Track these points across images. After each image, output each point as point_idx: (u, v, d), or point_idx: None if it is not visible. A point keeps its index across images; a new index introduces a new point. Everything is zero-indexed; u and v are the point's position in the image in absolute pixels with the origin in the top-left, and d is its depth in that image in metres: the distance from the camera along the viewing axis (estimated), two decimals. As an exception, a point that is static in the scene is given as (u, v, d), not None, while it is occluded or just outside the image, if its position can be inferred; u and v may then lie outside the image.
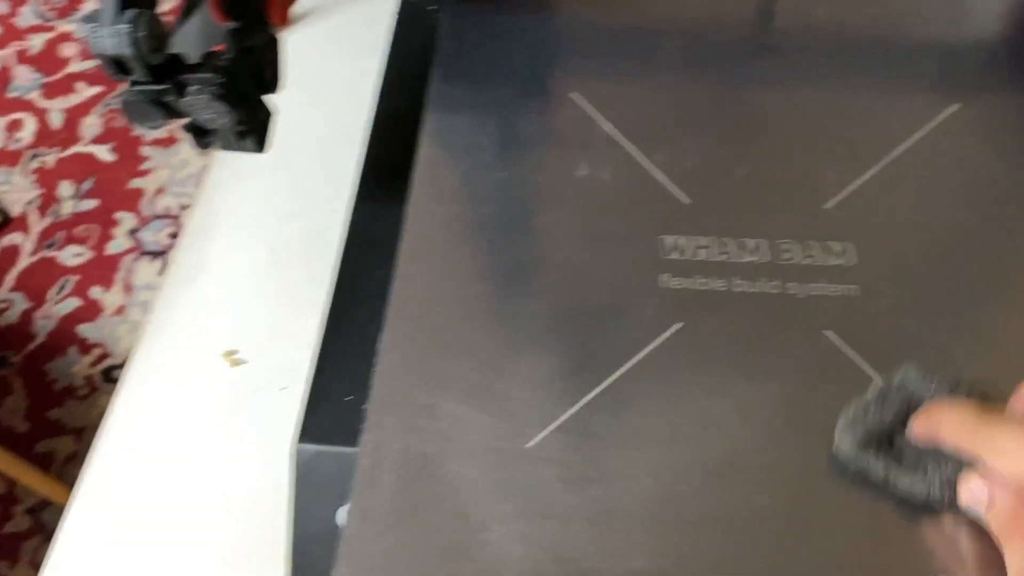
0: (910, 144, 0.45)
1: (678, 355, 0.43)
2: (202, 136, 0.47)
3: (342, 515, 0.46)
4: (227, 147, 0.47)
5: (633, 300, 0.44)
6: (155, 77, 0.43)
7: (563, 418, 0.42)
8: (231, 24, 0.46)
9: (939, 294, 0.43)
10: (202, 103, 0.43)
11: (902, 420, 0.39)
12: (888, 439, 0.39)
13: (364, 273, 0.51)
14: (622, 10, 0.51)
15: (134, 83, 0.44)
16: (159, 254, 1.42)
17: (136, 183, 1.47)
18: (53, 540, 0.52)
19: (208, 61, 0.44)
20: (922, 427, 0.38)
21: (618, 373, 0.42)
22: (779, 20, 0.49)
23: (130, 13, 0.41)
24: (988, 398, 0.38)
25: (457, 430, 0.42)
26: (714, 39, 0.49)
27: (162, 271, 1.41)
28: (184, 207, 1.45)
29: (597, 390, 0.42)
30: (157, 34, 0.41)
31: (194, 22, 0.51)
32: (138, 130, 1.49)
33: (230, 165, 0.64)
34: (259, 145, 0.48)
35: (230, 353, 0.56)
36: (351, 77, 0.63)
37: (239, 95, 0.44)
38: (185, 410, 0.55)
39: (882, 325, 0.42)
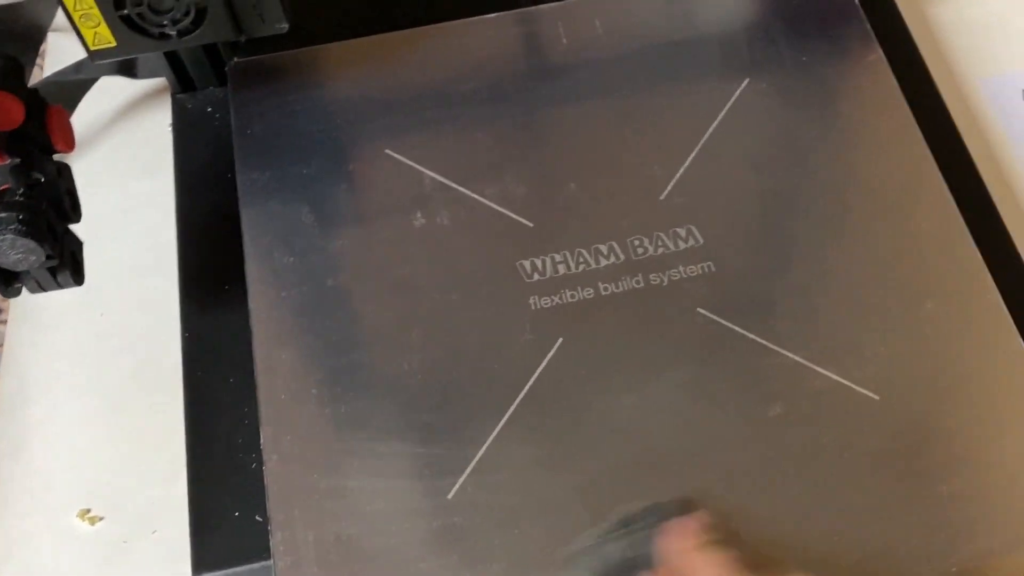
0: (717, 123, 0.48)
1: (569, 368, 0.43)
2: (10, 283, 0.43)
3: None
4: (40, 288, 0.44)
5: (510, 329, 0.44)
6: (-55, 232, 0.39)
7: (476, 460, 0.41)
8: (11, 161, 0.43)
9: (779, 250, 0.46)
10: (7, 244, 0.40)
11: None
12: None
13: (214, 385, 0.48)
14: (404, 66, 0.51)
15: (-80, 243, 0.40)
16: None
17: None
18: None
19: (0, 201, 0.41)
20: None
21: (516, 402, 0.42)
22: (562, 42, 0.51)
23: (-94, 165, 0.37)
24: None
25: (371, 503, 0.41)
26: (504, 72, 0.50)
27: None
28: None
29: (501, 424, 0.42)
30: (-58, 183, 0.38)
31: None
32: None
33: (25, 321, 0.59)
34: (77, 277, 0.45)
35: (85, 512, 0.52)
36: (134, 199, 0.60)
37: (44, 229, 0.41)
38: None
39: (743, 290, 0.44)
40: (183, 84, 0.54)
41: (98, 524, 0.51)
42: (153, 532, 0.51)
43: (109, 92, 0.63)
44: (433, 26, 0.51)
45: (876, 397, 0.42)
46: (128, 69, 0.59)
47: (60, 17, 0.66)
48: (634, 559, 0.39)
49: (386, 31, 0.52)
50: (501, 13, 0.52)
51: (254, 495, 0.45)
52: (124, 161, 0.62)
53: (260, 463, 0.45)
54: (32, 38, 0.63)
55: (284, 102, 0.49)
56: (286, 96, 0.50)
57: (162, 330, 0.57)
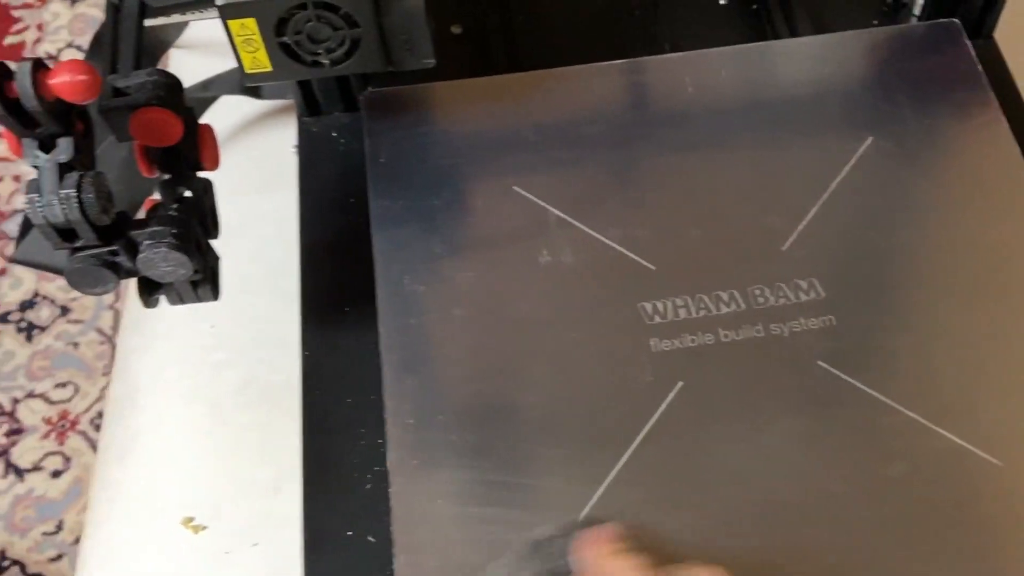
0: (841, 178, 0.49)
1: (688, 413, 0.43)
2: (152, 293, 0.45)
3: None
4: (180, 300, 0.45)
5: (630, 369, 0.44)
6: (103, 239, 0.41)
7: (595, 498, 0.42)
8: (162, 176, 0.45)
9: (899, 307, 0.46)
10: (160, 257, 0.41)
11: None
12: None
13: (331, 405, 0.49)
14: (533, 106, 0.52)
15: (77, 249, 0.41)
16: (-4, 455, 1.31)
17: (-45, 384, 1.36)
18: None
19: (154, 214, 0.43)
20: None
21: (636, 443, 0.43)
22: (687, 91, 0.52)
23: (73, 176, 0.39)
24: None
25: (491, 532, 0.41)
26: (630, 117, 0.51)
27: (5, 474, 1.30)
28: (16, 400, 1.35)
29: (620, 463, 0.42)
30: (105, 194, 0.40)
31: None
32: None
33: (139, 328, 0.60)
34: (215, 291, 0.46)
35: (189, 520, 0.53)
36: (248, 215, 0.62)
37: (194, 244, 0.43)
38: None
39: (865, 346, 0.45)
40: (310, 108, 0.55)
41: (201, 533, 0.53)
42: (255, 545, 0.52)
43: (226, 109, 0.65)
44: (562, 69, 0.53)
45: (998, 462, 0.42)
46: (254, 90, 0.61)
47: (185, 35, 0.68)
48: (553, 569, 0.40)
49: (514, 72, 0.54)
50: (630, 60, 0.53)
51: (368, 515, 0.46)
52: (240, 177, 0.63)
53: (374, 484, 0.46)
54: (153, 55, 0.65)
55: (415, 133, 0.51)
56: (417, 127, 0.51)
57: (270, 346, 0.58)
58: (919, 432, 0.43)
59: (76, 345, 1.39)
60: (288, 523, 0.52)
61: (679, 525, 0.41)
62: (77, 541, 1.25)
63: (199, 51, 0.69)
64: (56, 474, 1.30)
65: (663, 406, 0.44)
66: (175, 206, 0.42)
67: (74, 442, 1.32)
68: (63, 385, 1.36)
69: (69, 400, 1.35)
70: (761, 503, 0.42)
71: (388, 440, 0.43)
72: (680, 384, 0.44)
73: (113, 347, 1.38)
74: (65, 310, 1.42)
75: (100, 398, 1.34)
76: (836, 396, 0.44)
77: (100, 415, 1.33)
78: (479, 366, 0.45)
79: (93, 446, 1.31)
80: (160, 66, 0.71)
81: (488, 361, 0.45)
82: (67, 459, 1.30)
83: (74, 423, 1.33)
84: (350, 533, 0.45)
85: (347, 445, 0.47)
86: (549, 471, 0.42)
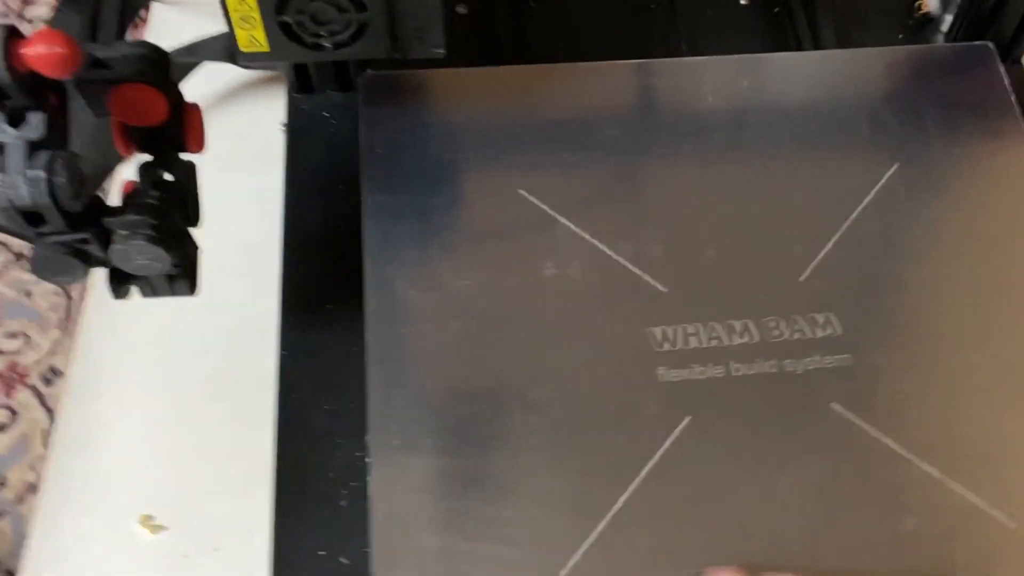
0: (863, 207, 0.46)
1: (694, 450, 0.41)
2: (122, 283, 0.41)
3: None
4: (153, 293, 0.42)
5: (636, 399, 0.42)
6: (73, 225, 0.37)
7: (593, 536, 0.39)
8: (142, 157, 0.41)
9: (921, 348, 0.44)
10: (135, 250, 0.38)
11: None
12: None
13: (309, 411, 0.46)
14: (544, 102, 0.49)
15: (42, 235, 0.37)
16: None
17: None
18: None
19: (131, 201, 0.39)
20: None
21: (638, 479, 0.40)
22: (707, 99, 0.49)
23: (43, 156, 0.35)
24: None
25: (478, 570, 0.38)
26: (646, 123, 0.48)
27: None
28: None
29: (621, 500, 0.40)
30: (78, 177, 0.36)
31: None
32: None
33: (104, 311, 0.56)
34: (192, 286, 0.43)
35: (148, 518, 0.49)
36: (227, 193, 0.58)
37: (172, 237, 0.39)
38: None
39: (883, 390, 0.42)
40: (302, 84, 0.52)
41: (160, 534, 0.49)
42: (216, 549, 0.49)
43: (209, 75, 0.61)
44: (576, 64, 0.49)
45: (1014, 525, 0.40)
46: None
47: (171, -9, 0.64)
48: None
49: (520, 61, 0.50)
50: (648, 60, 0.50)
51: (342, 534, 0.43)
52: (220, 151, 0.59)
53: (350, 500, 0.43)
54: (133, 8, 0.61)
55: (417, 123, 0.47)
56: (418, 117, 0.47)
57: (245, 336, 0.54)
58: (933, 487, 0.41)
59: (29, 294, 1.34)
60: (254, 529, 0.49)
61: (681, 570, 0.39)
62: (20, 500, 1.21)
63: (183, 7, 0.65)
64: (1, 428, 1.25)
65: (668, 442, 0.41)
66: (155, 193, 0.39)
67: (23, 396, 1.27)
68: (13, 335, 1.31)
69: (18, 352, 1.30)
70: (767, 550, 0.39)
71: (371, 462, 0.40)
72: (688, 419, 0.41)
73: (69, 299, 1.34)
74: (19, 257, 1.37)
75: (52, 352, 1.30)
76: (849, 442, 0.41)
77: (51, 369, 1.28)
78: (473, 385, 0.42)
79: (42, 401, 1.27)
80: (140, 21, 0.67)
81: (484, 380, 0.42)
82: (14, 413, 1.26)
83: (23, 376, 1.28)
84: (322, 553, 0.43)
85: (323, 456, 0.44)
86: (545, 505, 0.40)
